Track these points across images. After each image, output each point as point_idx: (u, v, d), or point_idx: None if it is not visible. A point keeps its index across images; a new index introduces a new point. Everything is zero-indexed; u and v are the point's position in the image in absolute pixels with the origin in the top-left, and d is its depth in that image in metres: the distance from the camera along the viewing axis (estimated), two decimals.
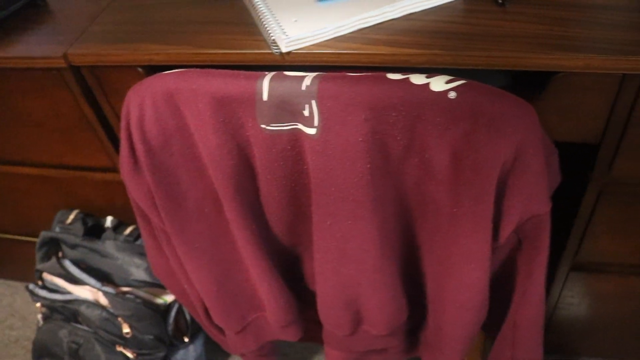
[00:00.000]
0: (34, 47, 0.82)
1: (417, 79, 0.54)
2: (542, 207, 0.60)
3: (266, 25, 0.71)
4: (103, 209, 1.12)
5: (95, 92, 0.85)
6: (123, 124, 0.64)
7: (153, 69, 0.79)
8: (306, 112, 0.56)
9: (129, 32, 0.79)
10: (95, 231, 1.09)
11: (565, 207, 0.85)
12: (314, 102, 0.56)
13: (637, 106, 0.67)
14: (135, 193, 0.69)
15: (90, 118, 0.88)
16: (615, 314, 1.03)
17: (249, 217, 0.67)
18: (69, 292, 1.10)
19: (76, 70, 0.81)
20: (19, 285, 1.58)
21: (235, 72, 0.59)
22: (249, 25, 0.75)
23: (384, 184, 0.60)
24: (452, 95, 0.53)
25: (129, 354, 1.09)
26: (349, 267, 0.67)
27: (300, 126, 0.58)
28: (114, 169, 0.98)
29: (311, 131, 0.57)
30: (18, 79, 0.86)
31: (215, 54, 0.72)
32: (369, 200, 0.60)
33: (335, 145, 0.57)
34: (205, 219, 0.70)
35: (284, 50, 0.69)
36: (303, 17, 0.71)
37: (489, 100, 0.53)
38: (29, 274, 1.32)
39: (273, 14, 0.72)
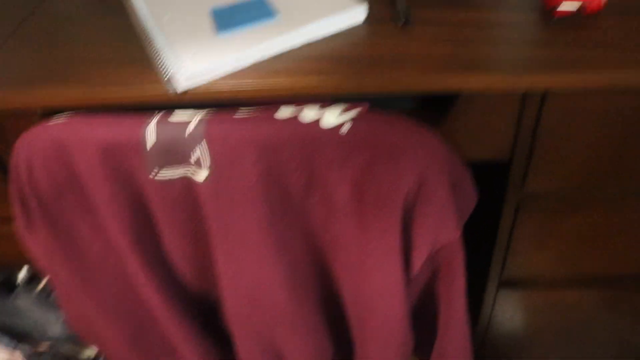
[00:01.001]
0: None
1: (309, 113, 0.52)
2: (452, 234, 0.59)
3: (162, 61, 0.68)
4: (16, 260, 1.06)
5: None
6: (12, 176, 0.60)
7: (53, 113, 0.75)
8: (194, 158, 0.54)
9: (25, 73, 0.74)
10: (6, 286, 1.02)
11: (489, 226, 0.84)
12: (201, 147, 0.53)
13: (542, 122, 0.66)
14: (34, 250, 0.65)
15: None
16: (547, 323, 1.03)
17: (153, 267, 0.63)
18: None
19: None
20: None
21: (121, 117, 0.55)
22: (147, 61, 0.71)
23: (286, 225, 0.57)
24: (345, 129, 0.51)
25: None
26: (261, 312, 0.64)
27: (190, 172, 0.55)
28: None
29: (202, 176, 0.55)
30: None
31: (110, 93, 0.69)
32: (272, 244, 0.57)
33: (229, 190, 0.54)
34: (111, 272, 0.66)
35: (180, 89, 0.66)
36: (201, 51, 0.68)
37: (386, 131, 0.52)
38: None
39: (170, 49, 0.69)
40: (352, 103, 0.54)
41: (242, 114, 0.55)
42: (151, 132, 0.54)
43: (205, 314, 0.74)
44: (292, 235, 0.59)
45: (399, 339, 0.65)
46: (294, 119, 0.52)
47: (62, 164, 0.59)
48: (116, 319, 0.69)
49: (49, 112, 0.75)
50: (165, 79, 0.67)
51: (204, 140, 0.52)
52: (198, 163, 0.54)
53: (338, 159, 0.52)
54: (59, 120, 0.59)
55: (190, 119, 0.54)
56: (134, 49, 0.74)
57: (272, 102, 0.71)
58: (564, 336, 1.07)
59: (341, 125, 0.51)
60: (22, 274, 1.04)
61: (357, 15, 0.71)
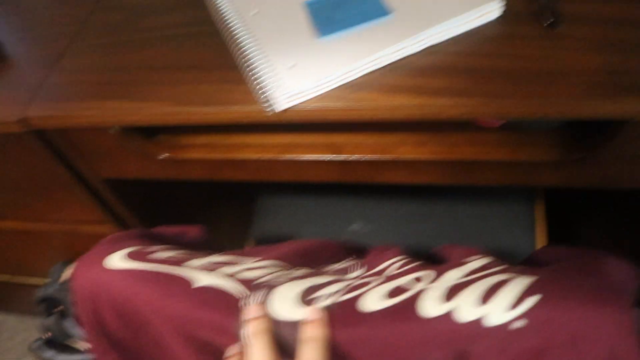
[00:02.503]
0: None
1: (467, 310, 0.40)
2: None
3: (255, 73, 0.57)
4: None
5: (67, 154, 0.73)
6: (80, 313, 0.57)
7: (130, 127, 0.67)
8: None
9: (94, 84, 0.65)
10: None
11: None
12: None
13: None
14: None
15: (66, 178, 0.76)
16: None
17: None
18: (77, 351, 1.01)
19: (40, 132, 0.69)
20: (32, 322, 1.51)
21: (204, 299, 0.48)
22: (236, 70, 0.61)
23: None
24: (519, 325, 0.40)
25: None
26: None
27: None
28: (101, 222, 0.87)
29: None
30: None
31: (196, 112, 0.59)
32: None
33: None
34: None
35: (280, 108, 0.55)
36: (302, 60, 0.57)
37: (570, 318, 0.39)
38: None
39: (263, 57, 0.58)
40: (525, 292, 0.41)
41: (371, 298, 0.45)
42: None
43: None
44: None
45: None
46: (446, 318, 0.41)
47: (133, 314, 0.53)
48: None
49: (125, 128, 0.67)
50: (260, 97, 0.56)
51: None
52: None
53: (499, 349, 0.41)
54: (120, 264, 0.52)
55: (297, 316, 0.45)
56: (218, 53, 0.63)
57: (392, 123, 0.59)
58: None
59: (511, 322, 0.40)
60: None
61: (491, 11, 0.57)
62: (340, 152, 0.63)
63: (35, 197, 0.85)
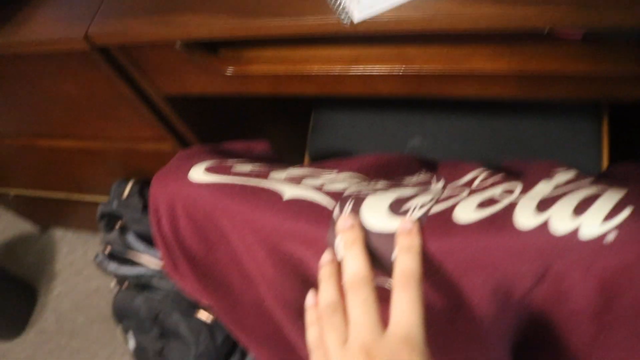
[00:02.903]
0: (50, 27, 0.68)
1: (562, 221, 0.39)
2: None
3: None
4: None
5: (130, 71, 0.72)
6: (153, 221, 0.56)
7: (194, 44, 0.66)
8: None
9: None
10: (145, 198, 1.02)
11: None
12: None
13: None
14: (183, 287, 0.62)
15: (128, 96, 0.76)
16: None
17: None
18: (137, 264, 1.06)
19: (104, 50, 0.68)
20: (89, 237, 1.58)
21: (296, 211, 0.48)
22: None
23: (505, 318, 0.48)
24: (611, 237, 0.38)
25: (207, 319, 1.06)
26: None
27: (388, 284, 0.46)
28: (161, 139, 0.88)
29: None
30: (41, 62, 0.74)
31: (267, 24, 0.58)
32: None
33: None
34: (264, 315, 0.61)
35: (357, 19, 0.53)
36: None
37: None
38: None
39: None
40: (617, 205, 0.40)
41: (464, 210, 0.44)
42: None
43: None
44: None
45: None
46: (542, 230, 0.40)
47: (214, 229, 0.53)
48: (266, 349, 0.66)
49: (189, 43, 0.66)
50: (336, 6, 0.54)
51: None
52: None
53: (590, 262, 0.40)
54: (203, 178, 0.52)
55: (389, 227, 0.45)
56: None
57: (468, 34, 0.57)
58: None
59: (605, 235, 0.39)
60: None
61: None
62: (411, 64, 0.61)
63: (95, 116, 0.86)
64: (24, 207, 1.46)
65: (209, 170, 0.53)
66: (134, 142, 0.92)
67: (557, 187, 0.45)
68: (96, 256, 1.12)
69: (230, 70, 0.67)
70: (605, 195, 0.41)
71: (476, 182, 0.49)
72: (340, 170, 0.56)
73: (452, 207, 0.44)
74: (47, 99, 0.83)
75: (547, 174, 0.47)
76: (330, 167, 0.57)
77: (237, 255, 0.56)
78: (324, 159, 0.89)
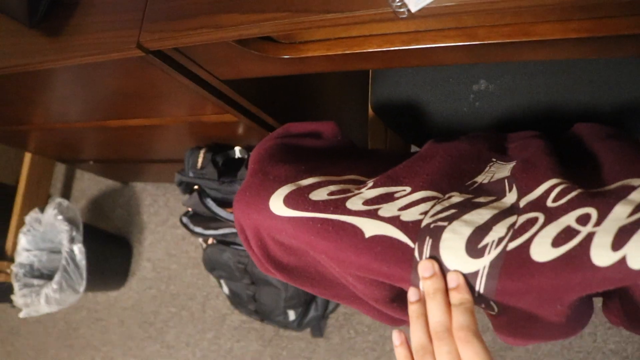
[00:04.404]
0: (102, 35, 0.68)
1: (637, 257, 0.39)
2: None
3: None
4: (227, 139, 1.07)
5: (186, 65, 0.72)
6: (243, 241, 0.59)
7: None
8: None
9: None
10: (228, 168, 1.05)
11: None
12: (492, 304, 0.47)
13: None
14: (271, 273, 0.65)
15: (187, 84, 0.77)
16: None
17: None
18: (220, 226, 1.12)
19: (157, 52, 0.68)
20: (168, 185, 1.65)
21: (379, 252, 0.50)
22: None
23: None
24: None
25: None
26: None
27: None
28: (224, 112, 0.89)
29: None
30: (100, 67, 0.75)
31: (319, 21, 0.55)
32: None
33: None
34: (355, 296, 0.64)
35: (415, 9, 0.50)
36: None
37: None
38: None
39: None
40: None
41: (540, 246, 0.44)
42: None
43: None
44: None
45: None
46: (621, 264, 0.40)
47: (300, 251, 0.56)
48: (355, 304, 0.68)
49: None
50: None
51: (494, 297, 0.46)
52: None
53: None
54: (283, 212, 0.53)
55: (467, 269, 0.46)
56: None
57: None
58: None
59: None
60: (238, 150, 1.07)
61: None
62: (474, 37, 0.57)
63: (159, 101, 0.87)
64: (104, 170, 1.54)
65: (288, 204, 0.53)
66: (198, 116, 0.94)
67: (635, 209, 0.42)
68: (181, 219, 1.18)
69: (285, 56, 0.66)
70: None
71: (551, 197, 0.47)
72: (413, 186, 0.55)
73: (529, 243, 0.44)
74: (109, 92, 0.85)
75: (624, 191, 0.45)
76: (402, 177, 0.56)
77: (325, 268, 0.59)
78: (388, 112, 0.88)
